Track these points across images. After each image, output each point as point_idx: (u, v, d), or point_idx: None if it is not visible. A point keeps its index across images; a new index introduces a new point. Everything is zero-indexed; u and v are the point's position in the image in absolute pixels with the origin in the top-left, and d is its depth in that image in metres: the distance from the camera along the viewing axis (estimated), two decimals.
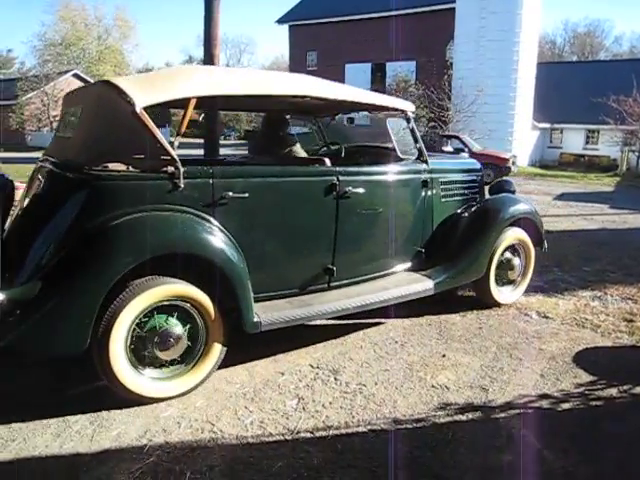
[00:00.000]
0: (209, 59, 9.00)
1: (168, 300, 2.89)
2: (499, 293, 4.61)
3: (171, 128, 38.00)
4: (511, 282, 4.72)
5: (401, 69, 26.91)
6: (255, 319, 3.10)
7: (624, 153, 23.63)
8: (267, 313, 3.19)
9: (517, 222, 4.56)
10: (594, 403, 3.07)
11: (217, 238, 3.00)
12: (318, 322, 3.82)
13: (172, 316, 2.93)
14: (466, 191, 4.70)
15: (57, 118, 3.70)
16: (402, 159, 4.15)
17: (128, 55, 35.18)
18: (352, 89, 3.90)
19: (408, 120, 4.16)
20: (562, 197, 13.87)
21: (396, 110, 4.18)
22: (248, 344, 3.39)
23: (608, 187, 17.86)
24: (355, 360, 3.56)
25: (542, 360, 3.62)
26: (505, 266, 4.58)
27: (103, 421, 2.76)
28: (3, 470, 2.40)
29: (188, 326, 2.99)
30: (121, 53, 34.30)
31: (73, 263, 2.68)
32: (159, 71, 3.71)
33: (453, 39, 25.09)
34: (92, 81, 17.67)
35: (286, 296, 3.47)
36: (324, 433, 2.72)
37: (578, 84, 27.83)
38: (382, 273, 4.01)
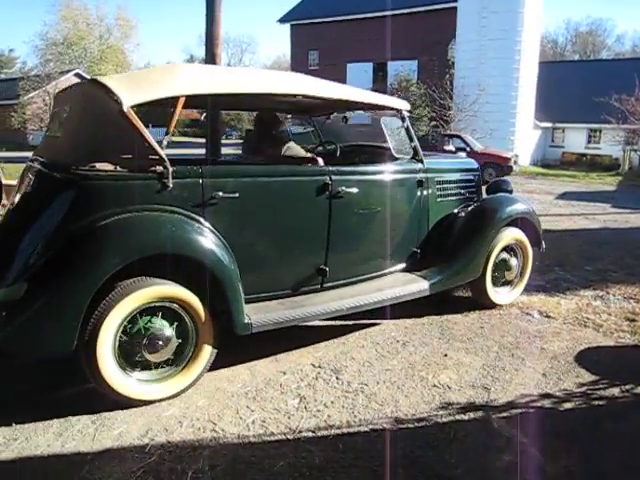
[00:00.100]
0: (211, 58, 8.98)
1: (157, 302, 2.85)
2: (496, 294, 4.56)
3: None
4: (508, 283, 4.68)
5: (403, 68, 26.89)
6: (246, 320, 3.06)
7: (626, 152, 23.60)
8: (258, 314, 3.16)
9: (514, 222, 4.51)
10: (596, 403, 3.06)
11: (207, 239, 2.96)
12: (320, 322, 3.82)
13: (161, 318, 2.89)
14: (463, 191, 4.66)
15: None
16: (397, 158, 4.11)
17: (130, 54, 35.13)
18: (346, 88, 3.86)
19: (403, 119, 4.11)
20: (564, 196, 13.86)
21: (391, 109, 4.15)
22: (250, 343, 3.39)
23: (610, 186, 17.85)
24: (357, 359, 3.56)
25: (544, 359, 3.62)
26: (502, 267, 4.53)
27: (105, 420, 2.76)
28: (5, 469, 2.40)
29: (178, 328, 2.95)
30: (123, 52, 34.26)
31: (60, 264, 2.64)
32: (148, 70, 3.65)
33: (455, 38, 25.07)
34: None
35: (278, 297, 3.43)
36: (326, 432, 2.72)
37: (580, 83, 27.79)
38: (377, 274, 3.98)
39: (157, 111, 3.65)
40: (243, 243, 3.19)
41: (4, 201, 5.38)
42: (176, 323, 2.95)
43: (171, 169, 2.86)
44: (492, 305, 4.56)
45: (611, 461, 2.56)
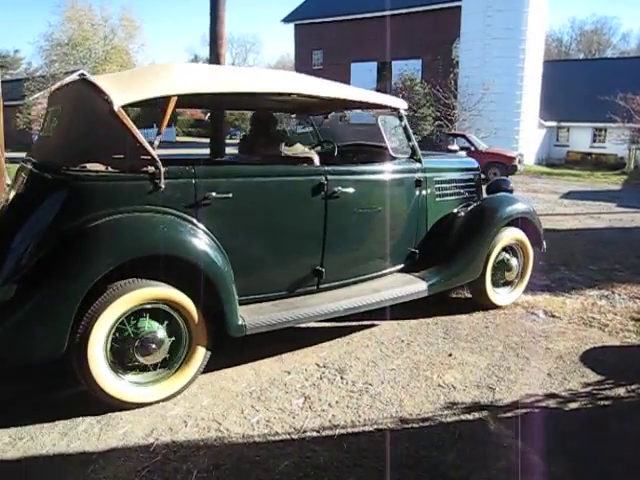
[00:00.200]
0: (215, 58, 8.98)
1: (150, 303, 2.82)
2: (496, 295, 4.52)
3: (176, 127, 38.11)
4: (508, 283, 4.64)
5: (407, 68, 26.82)
6: (240, 322, 3.04)
7: (631, 151, 23.51)
8: (253, 316, 3.13)
9: (515, 222, 4.46)
10: (602, 403, 3.05)
11: (200, 240, 2.94)
12: (324, 322, 3.81)
13: (154, 320, 2.87)
14: (462, 190, 4.62)
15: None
16: (395, 158, 4.07)
17: (134, 55, 35.18)
18: (342, 87, 3.81)
19: (401, 118, 4.07)
20: (569, 196, 13.81)
21: (389, 108, 4.11)
22: (254, 343, 3.39)
23: (615, 185, 17.78)
24: (361, 359, 3.56)
25: (549, 359, 3.61)
26: (502, 267, 4.49)
27: (110, 420, 2.76)
28: (11, 468, 2.41)
29: (171, 330, 2.93)
30: (127, 53, 34.32)
31: (50, 265, 2.61)
32: (139, 69, 3.61)
33: (459, 37, 25.02)
34: None
35: (273, 299, 3.40)
36: (330, 432, 2.72)
37: (585, 82, 27.68)
38: (374, 275, 3.95)
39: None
40: (237, 244, 3.17)
41: None
42: (169, 325, 2.92)
43: (163, 169, 2.83)
44: (492, 306, 4.52)
45: (617, 461, 2.55)
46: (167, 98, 2.95)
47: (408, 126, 4.11)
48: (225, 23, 9.04)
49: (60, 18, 32.94)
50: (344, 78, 26.99)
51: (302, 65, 32.14)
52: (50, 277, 2.61)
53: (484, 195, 4.95)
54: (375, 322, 4.13)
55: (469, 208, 4.49)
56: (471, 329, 4.12)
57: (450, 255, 4.18)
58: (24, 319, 2.55)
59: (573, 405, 3.02)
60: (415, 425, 2.80)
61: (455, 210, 4.50)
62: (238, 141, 4.87)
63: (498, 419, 2.86)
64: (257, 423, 2.79)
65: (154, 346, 2.83)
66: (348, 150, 4.79)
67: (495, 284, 4.51)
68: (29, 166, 3.09)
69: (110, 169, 2.79)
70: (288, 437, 2.67)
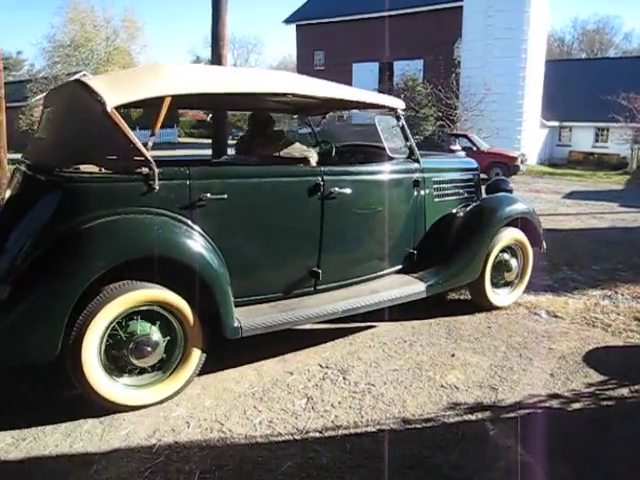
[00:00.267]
0: (217, 59, 9.00)
1: (144, 305, 2.81)
2: (495, 295, 4.49)
3: (179, 128, 38.14)
4: (508, 284, 4.61)
5: (409, 68, 26.81)
6: (235, 324, 3.01)
7: (634, 151, 23.41)
8: (249, 318, 3.11)
9: (514, 222, 4.44)
10: (605, 403, 3.05)
11: (194, 241, 2.92)
12: (327, 322, 3.81)
13: (149, 322, 2.85)
14: (461, 190, 4.61)
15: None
16: (393, 158, 4.04)
17: (136, 56, 35.28)
18: (338, 86, 3.78)
19: (398, 118, 4.05)
20: (571, 195, 13.79)
21: (386, 108, 4.09)
22: (256, 344, 3.39)
23: (618, 185, 17.74)
24: (364, 360, 3.56)
25: (552, 359, 3.60)
26: (501, 267, 4.46)
27: (112, 421, 2.77)
28: (14, 469, 2.42)
29: (165, 332, 2.91)
30: (129, 54, 34.42)
31: (43, 266, 2.59)
32: (133, 70, 3.58)
33: (460, 38, 25.00)
34: None
35: (270, 300, 3.39)
36: (333, 433, 2.72)
37: (587, 82, 27.63)
38: (372, 276, 3.92)
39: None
40: (232, 245, 3.15)
41: None
42: (164, 327, 2.90)
43: (157, 170, 2.82)
44: (492, 307, 4.50)
45: (620, 462, 2.54)
46: (161, 99, 2.93)
47: (406, 126, 4.10)
48: (227, 24, 9.06)
49: (62, 19, 33.10)
50: (346, 79, 27.00)
51: (304, 66, 32.16)
52: (44, 278, 2.59)
53: (483, 195, 4.94)
54: (377, 323, 4.13)
55: (468, 208, 4.47)
56: (474, 329, 4.12)
57: (449, 256, 4.16)
58: (17, 320, 2.53)
59: (576, 405, 3.01)
60: (418, 426, 2.80)
61: (454, 210, 4.48)
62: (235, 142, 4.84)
63: (500, 419, 2.86)
64: (260, 424, 2.79)
65: (149, 349, 2.81)
66: (346, 150, 4.77)
67: (494, 285, 4.48)
68: (23, 167, 3.08)
69: (104, 170, 2.78)
70: (291, 438, 2.67)
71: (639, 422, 2.89)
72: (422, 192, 4.19)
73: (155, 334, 2.85)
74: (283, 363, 3.48)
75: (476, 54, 23.30)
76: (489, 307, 4.49)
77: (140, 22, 35.08)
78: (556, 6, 60.01)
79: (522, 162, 17.25)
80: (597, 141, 27.38)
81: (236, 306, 3.09)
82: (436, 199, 4.34)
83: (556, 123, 27.33)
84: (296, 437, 2.68)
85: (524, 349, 3.76)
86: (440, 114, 23.17)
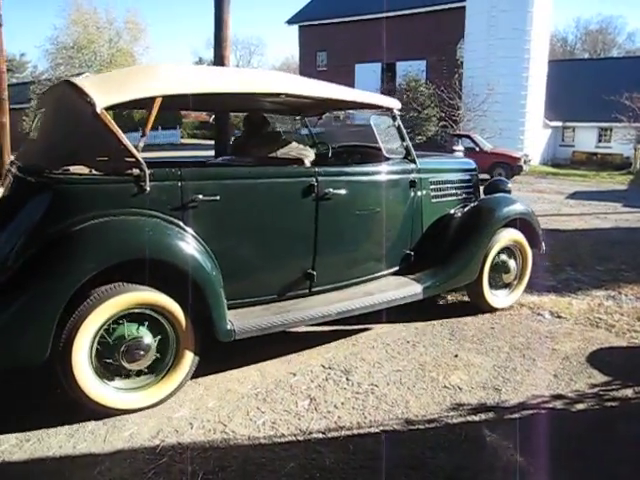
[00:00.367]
0: (219, 61, 9.02)
1: (136, 308, 2.77)
2: (493, 297, 4.45)
3: (181, 129, 38.17)
4: (506, 285, 4.57)
5: (411, 69, 26.79)
6: (228, 327, 2.98)
7: (637, 151, 23.37)
8: (242, 320, 3.09)
9: (512, 223, 4.38)
10: (609, 404, 3.04)
11: (186, 243, 2.89)
12: (330, 323, 3.80)
13: (141, 325, 2.82)
14: (459, 191, 4.58)
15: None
16: (389, 159, 4.01)
17: (139, 58, 35.29)
18: (333, 87, 3.74)
19: (394, 118, 4.02)
20: (574, 196, 13.76)
21: (381, 108, 4.06)
22: (259, 345, 3.39)
23: (621, 185, 17.70)
24: (367, 360, 3.55)
25: (555, 360, 3.59)
26: (500, 269, 4.42)
27: (116, 422, 2.77)
28: (18, 470, 2.42)
29: (158, 335, 2.88)
30: (132, 55, 34.46)
31: (33, 269, 2.56)
32: (123, 70, 3.57)
33: (463, 38, 24.97)
34: None
35: (263, 302, 3.35)
36: (336, 434, 2.71)
37: (590, 82, 27.58)
38: (367, 277, 3.89)
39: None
40: (225, 247, 3.12)
41: None
42: (156, 330, 2.88)
43: (148, 172, 2.79)
44: (490, 309, 4.46)
45: (624, 463, 2.54)
46: (152, 99, 2.90)
47: (402, 126, 4.07)
48: (229, 26, 9.08)
49: (65, 21, 33.17)
50: (348, 79, 26.99)
51: (306, 67, 32.17)
52: (33, 280, 2.57)
53: (482, 196, 4.91)
54: (381, 324, 4.12)
55: (466, 209, 4.44)
56: (477, 330, 4.11)
57: (446, 257, 4.12)
58: (6, 321, 2.50)
59: (580, 406, 3.01)
60: (421, 426, 2.79)
61: (452, 211, 4.45)
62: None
63: (504, 420, 2.85)
64: (263, 425, 2.79)
65: (140, 351, 2.78)
66: (342, 151, 4.75)
67: (493, 286, 4.44)
68: (14, 169, 3.06)
69: (94, 172, 2.76)
70: (294, 439, 2.67)
71: None
72: (419, 193, 4.16)
73: (147, 337, 2.82)
74: (286, 364, 3.48)
75: (479, 54, 23.27)
76: (487, 309, 4.46)
77: (143, 24, 35.14)
78: (559, 6, 60.09)
79: (525, 162, 17.24)
80: (600, 141, 27.34)
81: (229, 308, 3.06)
82: (433, 200, 4.31)
83: (559, 123, 27.30)
84: (299, 438, 2.68)
85: (527, 350, 3.75)
86: (443, 114, 23.16)
